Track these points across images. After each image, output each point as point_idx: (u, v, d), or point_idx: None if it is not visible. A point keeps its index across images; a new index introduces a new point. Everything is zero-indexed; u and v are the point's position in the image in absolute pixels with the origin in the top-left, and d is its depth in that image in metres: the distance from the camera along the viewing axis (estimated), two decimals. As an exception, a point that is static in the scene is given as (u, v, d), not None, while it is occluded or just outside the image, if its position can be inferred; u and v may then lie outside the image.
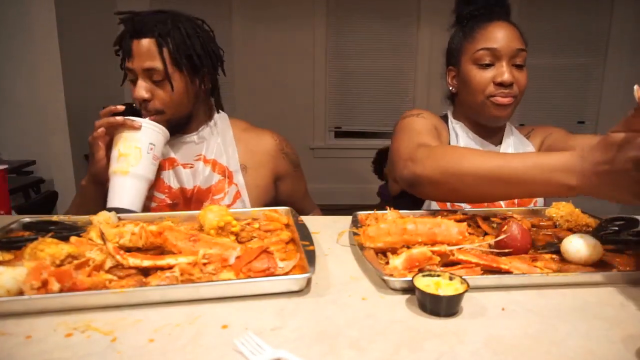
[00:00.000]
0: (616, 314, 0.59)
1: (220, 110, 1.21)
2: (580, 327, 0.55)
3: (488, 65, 1.04)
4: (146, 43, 1.01)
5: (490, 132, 1.14)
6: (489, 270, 0.67)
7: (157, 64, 1.01)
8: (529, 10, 3.91)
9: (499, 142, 1.16)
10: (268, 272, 0.65)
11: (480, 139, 1.14)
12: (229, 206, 1.13)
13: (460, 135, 1.13)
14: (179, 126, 1.12)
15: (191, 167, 1.14)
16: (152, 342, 0.51)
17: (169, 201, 1.13)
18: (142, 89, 1.03)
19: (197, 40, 1.06)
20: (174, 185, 1.13)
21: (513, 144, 1.16)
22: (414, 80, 4.25)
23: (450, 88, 1.15)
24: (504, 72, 1.02)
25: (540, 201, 1.11)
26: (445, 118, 1.18)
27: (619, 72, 3.79)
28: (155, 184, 1.11)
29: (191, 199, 1.13)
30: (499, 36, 1.02)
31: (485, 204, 1.00)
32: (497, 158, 0.77)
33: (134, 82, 1.05)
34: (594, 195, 0.67)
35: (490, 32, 1.04)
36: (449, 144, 1.11)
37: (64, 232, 0.78)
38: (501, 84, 1.02)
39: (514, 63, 1.04)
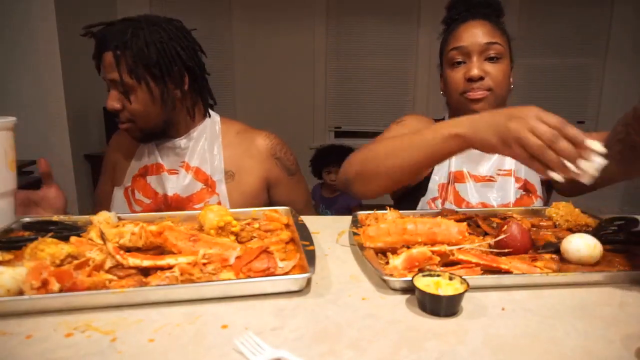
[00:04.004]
0: (615, 313, 0.59)
1: (209, 115, 1.18)
2: (580, 327, 0.55)
3: (460, 64, 1.07)
4: (107, 56, 1.01)
5: None
6: (489, 270, 0.67)
7: (117, 76, 1.00)
8: (529, 10, 3.90)
9: None
10: (268, 272, 0.65)
11: None
12: None
13: None
14: (157, 134, 1.10)
15: (175, 174, 1.12)
16: (153, 342, 0.51)
17: (154, 207, 1.12)
18: (112, 99, 1.03)
19: (157, 47, 1.02)
20: (159, 190, 1.12)
21: None
22: (414, 80, 4.24)
23: (441, 92, 1.17)
24: (472, 67, 1.04)
25: (538, 202, 1.11)
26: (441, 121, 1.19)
27: (619, 72, 3.78)
28: (142, 189, 1.11)
29: (171, 207, 1.11)
30: (467, 34, 1.05)
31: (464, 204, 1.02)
32: (403, 135, 0.86)
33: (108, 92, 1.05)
34: (477, 140, 0.75)
35: (460, 32, 1.07)
36: None
37: (64, 232, 0.78)
38: (471, 79, 1.04)
39: (487, 57, 1.05)
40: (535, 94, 3.94)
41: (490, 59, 1.04)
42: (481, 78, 1.03)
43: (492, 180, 1.09)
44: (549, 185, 1.15)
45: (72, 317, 0.56)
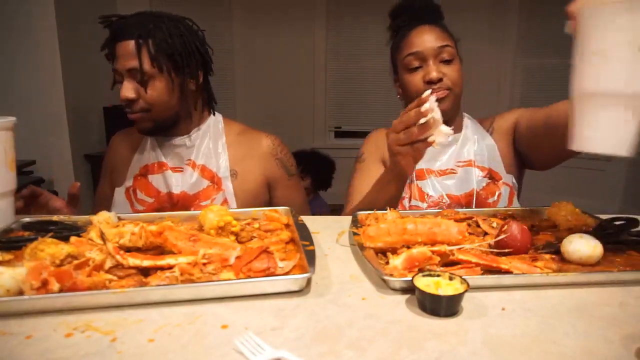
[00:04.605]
0: (615, 313, 0.59)
1: (214, 113, 1.20)
2: (580, 327, 0.55)
3: (417, 68, 1.12)
4: (127, 45, 1.02)
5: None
6: (489, 270, 0.67)
7: (137, 64, 1.02)
8: (529, 10, 3.91)
9: (458, 131, 1.19)
10: (268, 272, 0.65)
11: None
12: None
13: None
14: (167, 127, 1.11)
15: (180, 172, 1.13)
16: (152, 342, 0.51)
17: (157, 205, 1.12)
18: (127, 89, 1.04)
19: (179, 40, 1.05)
20: (162, 189, 1.12)
21: (472, 131, 1.20)
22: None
23: (399, 97, 1.22)
24: (430, 71, 1.09)
25: (504, 189, 1.14)
26: None
27: (619, 72, 3.79)
28: (145, 188, 1.11)
29: (177, 204, 1.11)
30: (420, 40, 1.10)
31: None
32: (370, 192, 1.03)
33: (121, 84, 1.05)
34: (395, 171, 0.93)
35: (412, 38, 1.12)
36: None
37: (64, 232, 0.78)
38: (430, 82, 1.09)
39: (441, 60, 1.10)
40: (535, 94, 3.94)
41: (445, 61, 1.10)
42: (440, 80, 1.09)
43: (453, 172, 1.15)
44: (521, 168, 1.20)
45: (72, 317, 0.56)
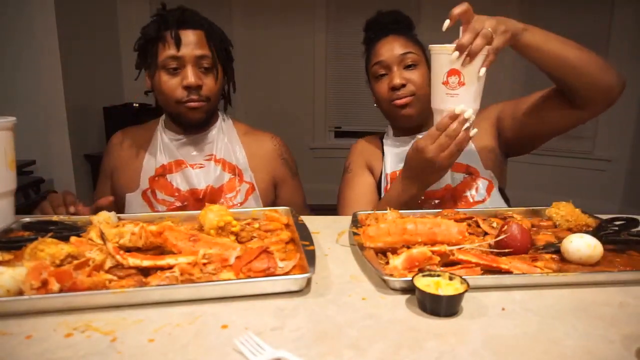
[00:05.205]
0: (615, 313, 0.59)
1: (225, 112, 1.25)
2: (580, 327, 0.55)
3: (383, 76, 1.17)
4: (196, 33, 1.08)
5: (413, 130, 1.21)
6: (489, 270, 0.67)
7: (208, 52, 1.08)
8: (529, 11, 3.91)
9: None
10: (268, 272, 0.65)
11: (407, 138, 1.22)
12: (241, 203, 1.15)
13: (388, 150, 1.23)
14: (207, 120, 1.15)
15: (201, 167, 1.15)
16: (152, 342, 0.51)
17: (178, 204, 1.12)
18: (195, 75, 1.07)
19: (225, 38, 1.15)
20: (183, 187, 1.13)
21: None
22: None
23: (375, 104, 1.25)
24: (394, 77, 1.14)
25: (482, 183, 1.15)
26: (383, 135, 1.30)
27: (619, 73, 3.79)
28: (164, 188, 1.11)
29: (203, 199, 1.13)
30: (384, 49, 1.16)
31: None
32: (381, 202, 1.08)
33: (172, 71, 1.07)
34: (425, 188, 1.02)
35: (377, 49, 1.18)
36: (382, 159, 1.23)
37: (64, 232, 0.78)
38: (394, 88, 1.13)
39: (405, 65, 1.15)
40: (534, 87, 3.93)
41: (408, 67, 1.15)
42: (403, 85, 1.13)
43: None
44: (502, 164, 1.22)
45: (72, 317, 0.56)
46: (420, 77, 1.14)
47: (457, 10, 0.88)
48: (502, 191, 1.19)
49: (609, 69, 0.98)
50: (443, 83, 0.91)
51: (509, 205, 1.15)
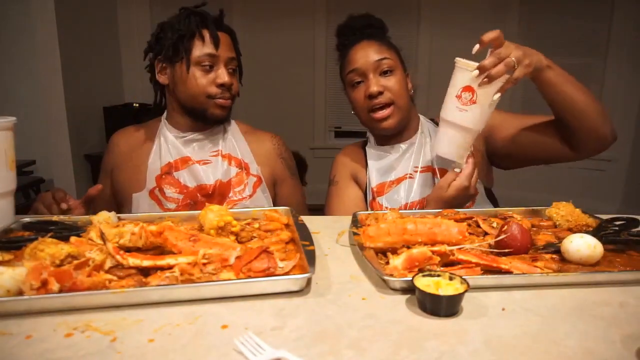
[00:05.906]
0: (616, 313, 0.59)
1: None
2: (580, 327, 0.55)
3: (359, 83, 1.14)
4: (227, 36, 1.15)
5: (395, 137, 1.19)
6: (489, 270, 0.67)
7: (235, 55, 1.15)
8: (529, 10, 3.91)
9: (408, 138, 1.19)
10: (268, 272, 0.65)
11: (388, 147, 1.20)
12: (250, 196, 1.15)
13: (371, 164, 1.20)
14: (227, 117, 1.19)
15: (208, 163, 1.16)
16: (152, 342, 0.51)
17: (187, 200, 1.13)
18: (228, 75, 1.12)
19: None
20: (190, 184, 1.14)
21: (429, 133, 1.20)
22: (413, 80, 4.25)
23: (352, 112, 1.23)
24: (370, 85, 1.11)
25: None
26: (364, 142, 1.28)
27: (619, 73, 3.78)
28: (172, 185, 1.12)
29: (213, 194, 1.13)
30: (359, 56, 1.13)
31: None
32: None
33: (209, 69, 1.10)
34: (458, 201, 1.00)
35: (351, 56, 1.15)
36: (366, 170, 1.20)
37: (64, 232, 0.78)
38: (371, 95, 1.10)
39: (381, 72, 1.12)
40: (535, 94, 3.93)
41: (384, 73, 1.12)
42: (380, 93, 1.10)
43: (411, 178, 1.15)
44: (488, 172, 1.21)
45: (72, 317, 0.56)
46: (397, 83, 1.12)
47: (489, 36, 0.88)
48: (489, 191, 1.19)
49: (607, 119, 1.00)
50: (456, 96, 0.94)
51: (497, 205, 1.15)
